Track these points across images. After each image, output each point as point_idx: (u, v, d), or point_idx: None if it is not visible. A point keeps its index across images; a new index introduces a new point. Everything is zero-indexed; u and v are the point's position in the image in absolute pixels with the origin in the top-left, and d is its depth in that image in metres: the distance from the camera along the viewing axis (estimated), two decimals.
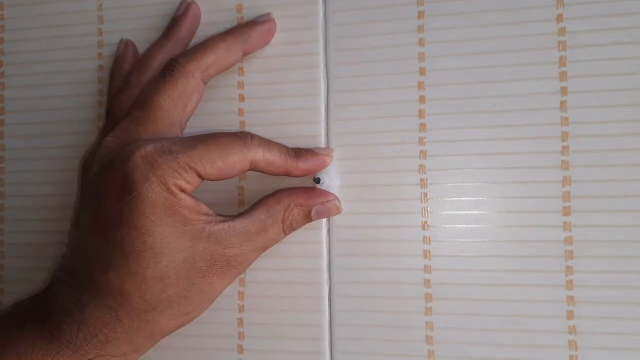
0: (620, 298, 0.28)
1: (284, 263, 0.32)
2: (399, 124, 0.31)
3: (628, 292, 0.28)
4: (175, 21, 0.33)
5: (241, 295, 0.32)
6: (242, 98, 0.33)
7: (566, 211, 0.29)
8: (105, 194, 0.27)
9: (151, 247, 0.26)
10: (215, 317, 0.33)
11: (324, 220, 0.32)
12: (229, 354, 0.32)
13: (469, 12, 0.30)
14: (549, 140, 0.29)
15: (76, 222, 0.29)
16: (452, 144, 0.30)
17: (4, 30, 0.37)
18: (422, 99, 0.31)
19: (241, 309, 0.32)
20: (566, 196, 0.29)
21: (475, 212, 0.30)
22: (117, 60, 0.34)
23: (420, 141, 0.31)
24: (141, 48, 0.34)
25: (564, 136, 0.29)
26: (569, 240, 0.29)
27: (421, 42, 0.31)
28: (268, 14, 0.32)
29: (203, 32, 0.33)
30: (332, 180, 0.31)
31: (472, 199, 0.30)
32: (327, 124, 0.32)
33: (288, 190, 0.30)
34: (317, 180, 0.31)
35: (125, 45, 0.34)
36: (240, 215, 0.29)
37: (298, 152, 0.30)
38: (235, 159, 0.27)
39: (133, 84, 0.31)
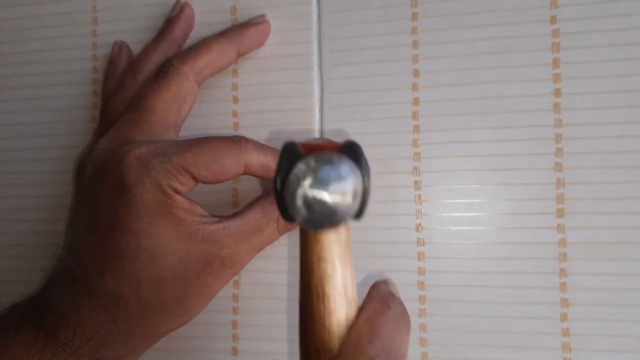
0: (614, 300, 0.28)
1: (278, 265, 0.32)
2: (393, 126, 0.31)
3: (622, 294, 0.28)
4: (169, 22, 0.33)
5: (236, 297, 0.32)
6: (236, 100, 0.33)
7: (560, 213, 0.29)
8: (99, 195, 0.27)
9: (146, 249, 0.26)
10: (210, 318, 0.33)
11: None
12: (223, 356, 0.32)
13: (463, 13, 0.30)
14: (543, 142, 0.29)
15: (71, 224, 0.29)
16: (446, 145, 0.30)
17: None
18: (416, 101, 0.31)
19: (236, 310, 0.32)
20: (560, 198, 0.29)
21: (469, 214, 0.30)
22: (111, 61, 0.34)
23: (415, 143, 0.31)
24: (135, 49, 0.34)
25: (558, 138, 0.29)
26: (562, 242, 0.29)
27: (415, 43, 0.31)
28: (262, 15, 0.32)
29: (197, 33, 0.33)
30: None
31: (466, 200, 0.30)
32: (321, 125, 0.32)
33: None
34: None
35: (119, 47, 0.34)
36: (234, 215, 0.29)
37: None
38: (230, 162, 0.27)
39: (127, 86, 0.31)
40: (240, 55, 0.32)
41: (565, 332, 0.29)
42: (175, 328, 0.28)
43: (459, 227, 0.30)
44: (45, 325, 0.26)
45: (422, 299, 0.30)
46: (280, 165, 0.18)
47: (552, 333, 0.29)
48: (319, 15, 0.32)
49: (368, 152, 0.30)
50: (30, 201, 0.35)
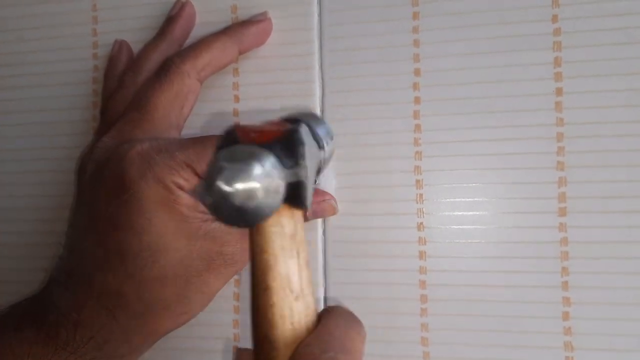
0: (616, 299, 0.28)
1: None
2: (394, 125, 0.31)
3: (624, 293, 0.28)
4: (169, 21, 0.33)
5: (237, 296, 0.32)
6: (237, 99, 0.33)
7: (562, 212, 0.29)
8: (101, 193, 0.27)
9: (148, 247, 0.26)
10: (211, 318, 0.32)
11: (320, 221, 0.32)
12: (225, 355, 0.32)
13: (464, 12, 0.30)
14: (545, 141, 0.29)
15: (73, 223, 0.29)
16: (448, 145, 0.30)
17: None
18: (417, 100, 0.31)
19: (237, 310, 0.32)
20: (562, 197, 0.29)
21: (471, 213, 0.30)
22: (112, 60, 0.34)
23: (416, 142, 0.31)
24: (136, 48, 0.34)
25: (560, 137, 0.29)
26: (564, 241, 0.29)
27: (416, 42, 0.31)
28: (264, 13, 0.32)
29: (198, 32, 0.33)
30: (328, 180, 0.31)
31: (467, 200, 0.30)
32: None
33: None
34: (314, 181, 0.31)
35: (119, 46, 0.34)
36: None
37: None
38: None
39: (128, 85, 0.31)
40: (241, 53, 0.32)
41: (567, 331, 0.29)
42: (177, 327, 0.28)
43: (461, 226, 0.30)
44: (45, 324, 0.26)
45: (423, 298, 0.30)
46: (213, 155, 0.18)
47: (554, 332, 0.29)
48: (319, 15, 0.32)
49: (369, 152, 0.31)
50: (30, 201, 0.35)
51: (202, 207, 0.27)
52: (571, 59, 0.29)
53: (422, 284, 0.30)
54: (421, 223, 0.30)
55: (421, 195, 0.30)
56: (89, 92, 0.35)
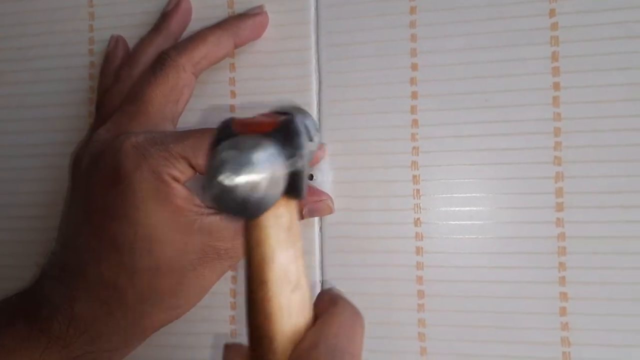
0: (614, 294, 0.28)
1: None
2: (391, 120, 0.31)
3: (621, 288, 0.28)
4: (165, 15, 0.33)
5: (233, 293, 0.32)
6: (233, 94, 0.33)
7: (559, 207, 0.29)
8: (96, 185, 0.27)
9: (143, 238, 0.26)
10: (208, 314, 0.32)
11: (316, 217, 0.32)
12: (220, 351, 0.32)
13: (461, 7, 0.30)
14: (542, 136, 0.29)
15: (66, 216, 0.29)
16: (445, 140, 0.30)
17: None
18: (414, 95, 0.31)
19: (233, 306, 0.32)
20: (559, 192, 0.29)
21: (468, 208, 0.30)
22: (108, 56, 0.33)
23: (413, 137, 0.31)
24: (132, 44, 0.34)
25: (557, 132, 0.29)
26: (561, 237, 0.29)
27: (413, 37, 0.31)
28: (260, 7, 0.32)
29: (194, 27, 0.33)
30: (325, 176, 0.31)
31: (464, 195, 0.30)
32: (319, 119, 0.32)
33: None
34: (311, 177, 0.30)
35: (116, 42, 0.34)
36: None
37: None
38: None
39: (123, 79, 0.31)
40: (237, 46, 0.32)
41: (565, 327, 0.28)
42: (171, 321, 0.28)
43: (458, 222, 0.30)
44: (38, 319, 0.26)
45: (420, 294, 0.30)
46: (210, 148, 0.18)
47: (551, 328, 0.29)
48: (316, 9, 0.32)
49: (366, 147, 0.31)
50: (26, 198, 0.35)
51: (197, 201, 0.27)
52: (568, 54, 0.29)
53: (419, 279, 0.30)
54: (418, 219, 0.30)
55: (418, 190, 0.30)
56: (85, 88, 0.35)
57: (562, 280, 0.29)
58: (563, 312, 0.29)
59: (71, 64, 0.35)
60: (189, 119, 0.33)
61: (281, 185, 0.17)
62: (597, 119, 0.29)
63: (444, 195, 0.30)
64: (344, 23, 0.32)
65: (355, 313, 0.22)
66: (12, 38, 0.36)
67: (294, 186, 0.18)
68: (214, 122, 0.32)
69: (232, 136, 0.18)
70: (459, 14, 0.30)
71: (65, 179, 0.34)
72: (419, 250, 0.30)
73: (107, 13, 0.35)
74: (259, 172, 0.16)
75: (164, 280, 0.26)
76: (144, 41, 0.32)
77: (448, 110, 0.30)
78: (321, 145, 0.31)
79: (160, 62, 0.30)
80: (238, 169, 0.16)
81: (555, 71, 0.29)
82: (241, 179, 0.16)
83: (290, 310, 0.19)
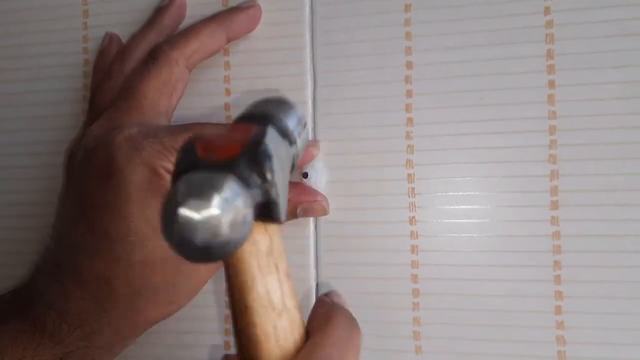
0: (609, 292, 0.28)
1: None
2: (386, 119, 0.31)
3: (616, 286, 0.28)
4: (159, 11, 0.32)
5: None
6: (228, 92, 0.33)
7: (554, 205, 0.29)
8: (89, 180, 0.27)
9: (136, 232, 0.25)
10: (202, 313, 0.32)
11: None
12: (216, 350, 0.32)
13: (456, 5, 0.30)
14: (537, 134, 0.29)
15: (60, 213, 0.29)
16: (440, 138, 0.30)
17: None
18: (409, 93, 0.30)
19: (227, 305, 0.32)
20: (554, 190, 0.29)
21: (463, 206, 0.30)
22: (101, 53, 0.33)
23: (408, 135, 0.30)
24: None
25: (552, 130, 0.29)
26: (556, 235, 0.29)
27: (408, 35, 0.31)
28: (253, 0, 0.32)
29: (188, 23, 0.33)
30: (319, 175, 0.31)
31: (459, 193, 0.30)
32: (314, 118, 0.32)
33: None
34: (305, 175, 0.30)
35: (110, 39, 0.34)
36: None
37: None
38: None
39: (116, 74, 0.31)
40: (230, 40, 0.32)
41: (560, 325, 0.28)
42: (165, 316, 0.28)
43: (453, 220, 0.30)
44: (31, 316, 0.26)
45: (415, 292, 0.30)
46: (171, 179, 0.16)
47: (546, 326, 0.29)
48: (311, 8, 0.32)
49: (361, 145, 0.31)
50: (20, 196, 0.35)
51: None
52: (563, 52, 0.29)
53: (414, 278, 0.30)
54: (413, 217, 0.30)
55: (413, 189, 0.30)
56: (79, 86, 0.35)
57: (558, 279, 0.29)
58: (558, 310, 0.28)
59: (65, 62, 0.35)
60: (184, 117, 0.33)
61: (249, 224, 0.16)
62: (592, 117, 0.28)
63: (439, 194, 0.30)
64: (338, 21, 0.31)
65: (350, 329, 0.21)
66: (6, 36, 0.36)
67: (269, 212, 0.17)
68: (208, 120, 0.33)
69: (195, 163, 0.16)
70: (454, 11, 0.30)
71: (60, 177, 0.34)
72: (414, 249, 0.30)
73: (101, 10, 0.35)
74: (220, 215, 0.15)
75: (158, 274, 0.26)
76: (136, 36, 0.32)
77: (443, 108, 0.30)
78: (316, 142, 0.31)
79: (153, 56, 0.29)
80: (195, 216, 0.15)
81: (551, 69, 0.29)
82: (199, 226, 0.15)
83: (277, 334, 0.18)
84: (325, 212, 0.30)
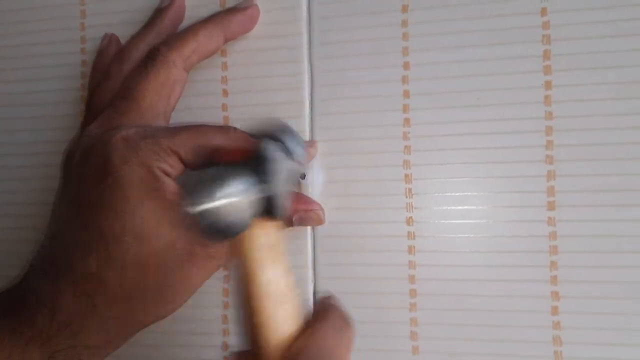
0: (605, 293, 0.28)
1: None
2: (383, 119, 0.31)
3: (612, 286, 0.28)
4: (158, 13, 0.32)
5: (226, 292, 0.32)
6: (225, 93, 0.33)
7: (550, 206, 0.29)
8: (86, 178, 0.27)
9: (131, 232, 0.25)
10: (201, 314, 0.32)
11: None
12: (214, 351, 0.32)
13: (453, 5, 0.30)
14: (534, 134, 0.29)
15: (56, 211, 0.29)
16: (437, 138, 0.30)
17: None
18: (406, 94, 0.30)
19: (226, 305, 0.32)
20: (550, 191, 0.29)
21: (460, 207, 0.30)
22: (100, 53, 0.33)
23: (405, 136, 0.30)
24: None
25: (548, 130, 0.29)
26: (553, 235, 0.29)
27: (405, 35, 0.31)
28: (250, 0, 0.32)
29: (187, 24, 0.33)
30: (316, 175, 0.31)
31: (456, 194, 0.30)
32: (311, 118, 0.32)
33: None
34: (302, 176, 0.30)
35: (109, 40, 0.34)
36: None
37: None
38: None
39: (114, 75, 0.31)
40: (227, 40, 0.32)
41: (556, 325, 0.28)
42: (156, 320, 0.28)
43: (450, 221, 0.30)
44: (22, 313, 0.26)
45: (412, 293, 0.30)
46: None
47: (542, 326, 0.29)
48: (308, 7, 0.32)
49: (358, 146, 0.31)
50: (18, 196, 0.35)
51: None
52: (560, 52, 0.29)
53: (411, 278, 0.30)
54: (410, 217, 0.30)
55: (410, 189, 0.30)
56: (76, 87, 0.35)
57: (554, 279, 0.29)
58: (555, 311, 0.29)
59: (63, 62, 0.35)
60: (182, 118, 0.33)
61: (250, 210, 0.19)
62: (588, 118, 0.28)
63: (436, 194, 0.30)
64: (336, 21, 0.31)
65: (344, 324, 0.23)
66: (3, 36, 0.36)
67: (270, 208, 0.20)
68: (206, 120, 0.33)
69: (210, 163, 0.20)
70: (451, 12, 0.30)
71: (57, 178, 0.34)
72: (411, 249, 0.30)
73: (98, 11, 0.35)
74: (223, 200, 0.18)
75: (152, 276, 0.26)
76: (135, 37, 0.32)
77: (440, 108, 0.30)
78: (313, 142, 0.31)
79: (151, 57, 0.29)
80: (204, 199, 0.18)
81: (547, 69, 0.29)
82: (207, 208, 0.18)
83: (277, 321, 0.20)
84: (320, 221, 0.30)
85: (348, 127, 0.31)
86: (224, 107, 0.33)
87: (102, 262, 0.25)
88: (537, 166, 0.29)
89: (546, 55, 0.29)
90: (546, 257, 0.29)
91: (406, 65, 0.31)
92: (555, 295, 0.29)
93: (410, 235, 0.30)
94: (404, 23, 0.31)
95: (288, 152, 0.22)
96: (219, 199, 0.18)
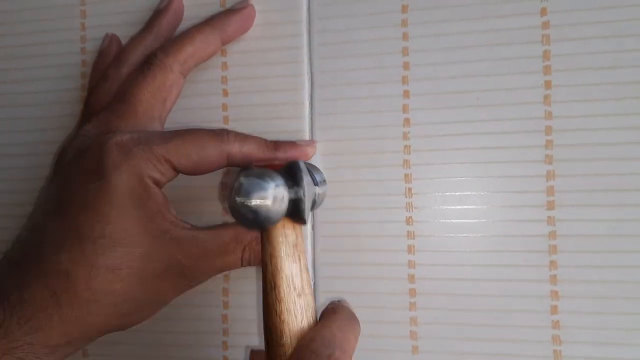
0: (604, 292, 0.28)
1: None
2: (383, 119, 0.31)
3: (612, 286, 0.28)
4: (156, 15, 0.33)
5: (226, 292, 0.32)
6: (225, 93, 0.33)
7: (550, 205, 0.29)
8: (74, 177, 0.27)
9: (110, 236, 0.26)
10: (200, 313, 0.32)
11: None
12: (214, 350, 0.32)
13: (453, 5, 0.30)
14: (533, 134, 0.29)
15: (38, 204, 0.29)
16: (436, 138, 0.30)
17: None
18: (406, 94, 0.31)
19: (226, 305, 0.32)
20: (550, 190, 0.29)
21: (460, 207, 0.30)
22: (101, 54, 0.33)
23: (405, 136, 0.31)
24: (125, 42, 0.34)
25: (548, 130, 0.29)
26: (552, 235, 0.29)
27: (405, 36, 0.31)
28: (246, 0, 0.32)
29: (186, 26, 0.33)
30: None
31: (456, 193, 0.30)
32: (311, 118, 0.32)
33: None
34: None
35: (109, 40, 0.34)
36: (207, 228, 0.29)
37: (277, 144, 0.29)
38: (212, 152, 0.27)
39: (111, 78, 0.31)
40: (225, 43, 0.32)
41: (556, 325, 0.29)
42: (118, 328, 0.27)
43: (450, 220, 0.30)
44: None
45: (412, 292, 0.30)
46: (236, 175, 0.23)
47: (542, 326, 0.29)
48: (308, 8, 0.32)
49: (358, 146, 0.31)
50: (18, 197, 0.35)
51: (172, 211, 0.28)
52: (560, 52, 0.29)
53: (411, 278, 0.30)
54: (410, 217, 0.30)
55: (410, 189, 0.30)
56: (76, 87, 0.35)
57: (553, 279, 0.29)
58: (554, 310, 0.29)
59: (63, 62, 0.35)
60: (182, 118, 0.33)
61: (284, 205, 0.23)
62: (588, 118, 0.29)
63: (435, 194, 0.30)
64: (335, 22, 0.32)
65: (353, 319, 0.25)
66: (3, 36, 0.36)
67: (297, 211, 0.23)
68: (207, 120, 0.33)
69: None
70: (451, 12, 0.30)
71: None
72: (410, 249, 0.30)
73: (98, 11, 0.35)
74: (265, 193, 0.22)
75: (121, 282, 0.26)
76: (134, 40, 0.32)
77: (439, 109, 0.30)
78: (312, 143, 0.31)
79: (148, 62, 0.30)
80: (250, 191, 0.22)
81: (547, 70, 0.29)
82: (251, 198, 0.22)
83: (296, 311, 0.23)
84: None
85: (348, 127, 0.31)
86: (224, 107, 0.33)
87: (73, 259, 0.25)
88: (536, 166, 0.29)
89: (546, 55, 0.29)
90: (545, 256, 0.29)
91: (406, 66, 0.31)
92: (555, 294, 0.29)
93: (410, 235, 0.30)
94: (404, 23, 0.31)
95: (313, 177, 0.26)
96: (266, 188, 0.22)
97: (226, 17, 0.31)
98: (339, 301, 0.28)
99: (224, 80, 0.33)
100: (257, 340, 0.32)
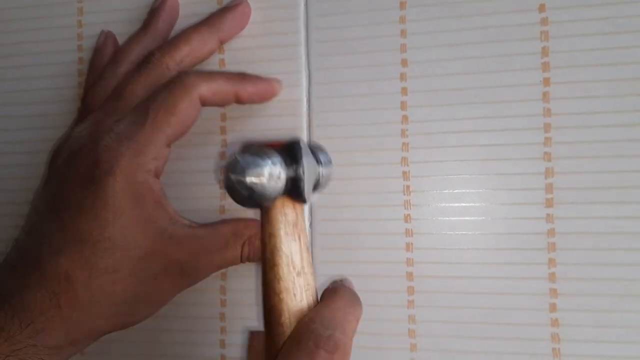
0: (603, 290, 0.28)
1: None
2: (381, 116, 0.31)
3: (611, 284, 0.28)
4: (152, 14, 0.32)
5: (223, 290, 0.32)
6: None
7: (549, 203, 0.29)
8: (70, 180, 0.27)
9: (109, 238, 0.26)
10: (198, 311, 0.32)
11: (307, 213, 0.31)
12: (211, 349, 0.32)
13: (451, 2, 0.30)
14: (532, 131, 0.29)
15: (35, 206, 0.29)
16: (435, 136, 0.30)
17: None
18: (404, 91, 0.30)
19: (223, 303, 0.32)
20: (549, 188, 0.29)
21: (458, 204, 0.30)
22: (96, 52, 0.33)
23: (403, 133, 0.30)
24: (121, 40, 0.34)
25: (547, 127, 0.29)
26: (551, 233, 0.29)
27: (403, 33, 0.31)
28: None
29: (184, 23, 0.33)
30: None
31: (455, 191, 0.30)
32: (308, 116, 0.32)
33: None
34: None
35: (105, 37, 0.33)
36: (206, 225, 0.29)
37: (243, 75, 0.30)
38: (184, 105, 0.27)
39: (108, 77, 0.31)
40: (222, 42, 0.32)
41: (555, 323, 0.28)
42: (119, 328, 0.28)
43: (448, 218, 0.30)
44: None
45: (410, 290, 0.30)
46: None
47: (541, 324, 0.29)
48: (306, 5, 0.32)
49: (356, 143, 0.31)
50: (14, 195, 0.35)
51: (170, 209, 0.28)
52: (558, 49, 0.29)
53: (409, 275, 0.30)
54: (408, 215, 0.30)
55: (408, 186, 0.30)
56: (73, 85, 0.35)
57: (552, 277, 0.29)
58: (553, 308, 0.29)
59: (60, 60, 0.35)
60: None
61: (280, 183, 0.22)
62: (587, 115, 0.28)
63: (434, 192, 0.30)
64: (333, 19, 0.31)
65: (355, 300, 0.25)
66: (0, 34, 0.36)
67: (296, 189, 0.22)
68: (203, 118, 0.33)
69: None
70: (449, 9, 0.30)
71: None
72: (409, 247, 0.30)
73: (95, 8, 0.35)
74: (261, 170, 0.21)
75: (122, 283, 0.26)
76: (131, 40, 0.32)
77: (438, 106, 0.30)
78: (276, 79, 0.31)
79: (145, 62, 0.30)
80: (245, 167, 0.21)
81: (545, 66, 0.29)
82: (247, 175, 0.21)
83: (295, 291, 0.23)
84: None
85: (346, 124, 0.31)
86: None
87: (73, 262, 0.25)
88: (535, 163, 0.29)
89: (544, 51, 0.29)
90: (544, 254, 0.29)
91: (404, 63, 0.30)
92: (554, 292, 0.29)
93: (408, 233, 0.30)
94: (402, 20, 0.31)
95: (316, 155, 0.25)
96: (261, 165, 0.21)
97: (221, 16, 0.31)
98: (341, 280, 0.27)
99: None
100: None
